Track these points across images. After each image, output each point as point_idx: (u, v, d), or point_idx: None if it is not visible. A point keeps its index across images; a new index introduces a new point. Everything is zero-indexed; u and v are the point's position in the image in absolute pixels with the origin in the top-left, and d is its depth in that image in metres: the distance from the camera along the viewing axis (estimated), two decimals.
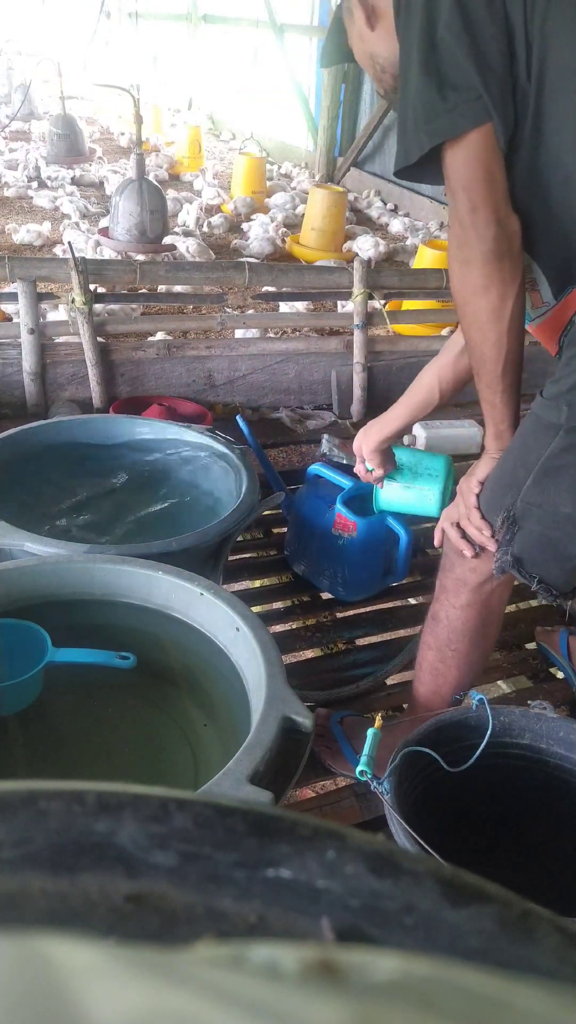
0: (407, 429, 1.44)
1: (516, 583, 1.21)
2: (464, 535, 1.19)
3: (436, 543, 1.27)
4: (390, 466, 1.44)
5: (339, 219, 4.93)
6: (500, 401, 1.09)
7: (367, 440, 1.39)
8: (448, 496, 1.44)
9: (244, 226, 5.35)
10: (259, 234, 5.00)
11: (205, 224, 5.24)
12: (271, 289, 3.07)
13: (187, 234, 4.79)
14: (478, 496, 1.16)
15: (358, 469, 1.48)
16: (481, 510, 1.15)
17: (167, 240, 4.42)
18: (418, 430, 2.59)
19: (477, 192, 0.96)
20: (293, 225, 5.44)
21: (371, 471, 1.44)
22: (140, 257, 4.01)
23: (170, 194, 5.29)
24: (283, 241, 5.06)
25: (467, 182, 0.96)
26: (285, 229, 5.24)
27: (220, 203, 5.87)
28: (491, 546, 1.13)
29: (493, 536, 1.12)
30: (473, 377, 1.12)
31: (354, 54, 1.14)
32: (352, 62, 1.17)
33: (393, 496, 1.49)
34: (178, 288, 3.15)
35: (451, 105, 0.92)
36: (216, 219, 5.34)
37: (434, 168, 0.99)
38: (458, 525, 1.19)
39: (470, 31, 0.90)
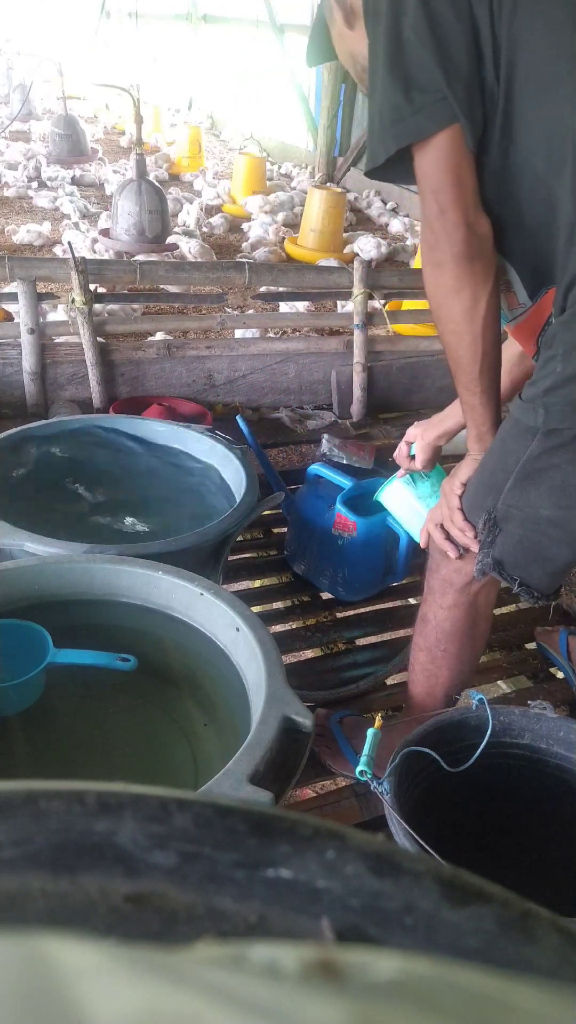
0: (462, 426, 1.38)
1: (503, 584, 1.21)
2: (448, 536, 1.19)
3: (422, 545, 1.28)
4: (430, 465, 1.40)
5: (338, 220, 4.91)
6: (479, 403, 1.09)
7: (426, 433, 1.36)
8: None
9: (244, 226, 5.35)
10: (260, 234, 5.00)
11: (205, 224, 5.24)
12: (271, 289, 3.07)
13: (187, 234, 4.79)
14: (461, 497, 1.16)
15: (400, 451, 1.41)
16: (464, 511, 1.15)
17: (170, 240, 4.42)
18: None
19: (445, 195, 0.95)
20: (293, 225, 5.43)
21: (412, 457, 1.40)
22: (140, 257, 4.01)
23: (170, 194, 5.29)
24: (282, 241, 5.07)
25: (435, 185, 0.95)
26: (286, 229, 5.24)
27: (220, 203, 5.88)
28: (474, 547, 1.13)
29: (476, 537, 1.12)
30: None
31: (336, 53, 1.13)
32: (336, 60, 1.15)
33: (399, 499, 1.46)
34: (172, 288, 3.15)
35: (417, 107, 0.91)
36: (216, 219, 5.34)
37: (404, 168, 0.98)
38: (442, 526, 1.20)
39: (435, 31, 0.89)
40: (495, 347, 1.05)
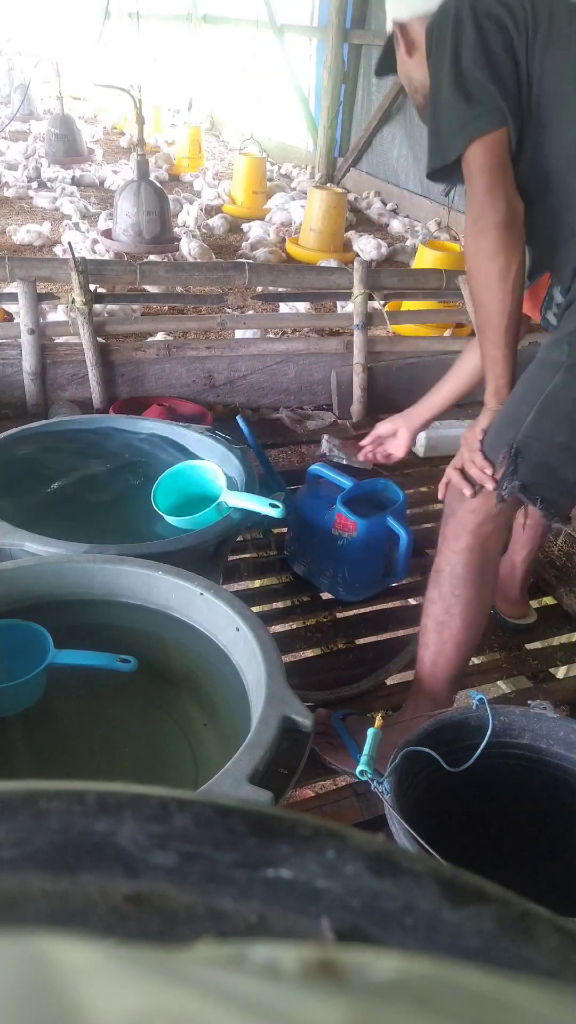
0: (446, 410, 1.72)
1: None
2: (466, 476, 1.31)
3: (440, 496, 1.38)
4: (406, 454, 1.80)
5: (338, 220, 4.91)
6: (502, 356, 1.26)
7: (411, 422, 1.77)
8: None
9: (244, 226, 5.35)
10: (260, 235, 5.00)
11: (203, 225, 5.24)
12: (271, 289, 3.06)
13: (186, 234, 4.79)
14: (482, 441, 1.29)
15: (369, 448, 1.79)
16: (484, 452, 1.28)
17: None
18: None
19: (495, 174, 1.17)
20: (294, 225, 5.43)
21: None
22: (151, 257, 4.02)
23: (171, 194, 5.29)
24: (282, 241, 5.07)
25: (488, 166, 1.17)
26: (286, 229, 5.24)
27: (220, 203, 5.88)
28: (489, 485, 1.26)
29: (492, 475, 1.25)
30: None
31: (397, 71, 1.39)
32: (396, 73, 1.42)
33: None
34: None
35: (477, 113, 1.16)
36: (216, 220, 5.34)
37: (455, 171, 1.21)
38: (461, 470, 1.32)
39: (490, 61, 1.15)
40: (518, 309, 1.24)
